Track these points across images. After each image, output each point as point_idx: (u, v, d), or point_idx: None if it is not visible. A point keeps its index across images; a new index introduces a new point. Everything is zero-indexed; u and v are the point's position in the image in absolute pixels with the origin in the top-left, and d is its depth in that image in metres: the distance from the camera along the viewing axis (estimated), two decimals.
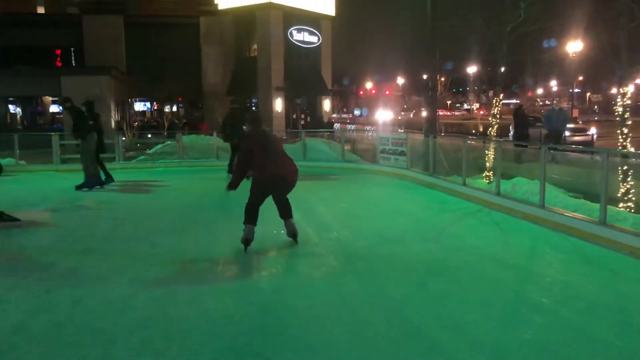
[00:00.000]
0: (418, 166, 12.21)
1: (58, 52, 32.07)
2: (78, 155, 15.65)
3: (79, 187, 10.81)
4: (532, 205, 7.91)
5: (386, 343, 3.89)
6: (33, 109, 31.91)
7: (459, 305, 4.59)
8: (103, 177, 11.43)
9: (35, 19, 32.68)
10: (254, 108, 12.10)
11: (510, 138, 24.61)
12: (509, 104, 69.79)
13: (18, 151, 14.60)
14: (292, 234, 6.63)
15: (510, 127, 25.75)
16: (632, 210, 8.60)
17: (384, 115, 46.35)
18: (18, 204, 9.12)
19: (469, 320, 4.26)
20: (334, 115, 48.84)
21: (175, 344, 3.86)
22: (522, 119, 17.54)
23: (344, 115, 73.84)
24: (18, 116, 31.36)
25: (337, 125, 35.32)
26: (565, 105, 62.30)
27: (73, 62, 32.13)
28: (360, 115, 70.08)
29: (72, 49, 31.90)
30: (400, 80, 76.31)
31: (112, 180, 11.69)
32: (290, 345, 3.85)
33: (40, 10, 34.41)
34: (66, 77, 26.59)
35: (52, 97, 28.45)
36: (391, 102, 64.18)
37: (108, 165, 14.51)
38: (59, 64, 31.95)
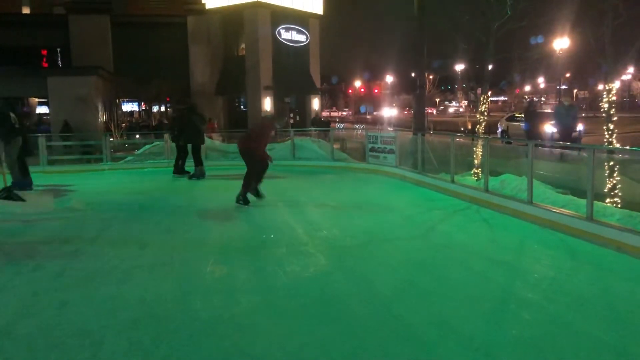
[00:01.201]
0: (407, 164, 12.23)
1: (44, 52, 31.74)
2: (66, 157, 15.59)
3: (7, 192, 10.23)
4: (520, 202, 7.96)
5: (375, 341, 3.89)
6: (19, 110, 31.60)
7: (447, 302, 4.61)
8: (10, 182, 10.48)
9: (20, 19, 32.28)
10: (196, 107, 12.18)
11: (496, 134, 24.75)
12: (497, 101, 70.23)
13: (4, 153, 14.42)
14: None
15: (499, 124, 25.94)
16: (619, 206, 8.68)
17: (389, 112, 46.26)
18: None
19: (458, 317, 4.28)
20: (324, 114, 48.94)
21: (164, 344, 3.84)
22: (534, 116, 17.16)
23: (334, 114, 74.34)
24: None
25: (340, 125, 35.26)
26: (552, 101, 62.80)
27: (60, 62, 31.82)
28: (366, 112, 70.98)
29: (59, 49, 31.58)
30: (389, 79, 76.41)
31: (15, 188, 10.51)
32: (279, 345, 3.85)
33: (26, 10, 34.03)
34: (53, 78, 26.32)
35: (39, 98, 28.15)
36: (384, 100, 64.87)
37: (95, 167, 14.43)
38: (46, 65, 31.63)
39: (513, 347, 3.78)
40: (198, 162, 12.92)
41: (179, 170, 13.37)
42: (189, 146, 13.08)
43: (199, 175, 12.92)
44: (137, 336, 3.98)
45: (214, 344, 3.86)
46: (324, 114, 60.78)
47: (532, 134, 16.61)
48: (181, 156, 13.39)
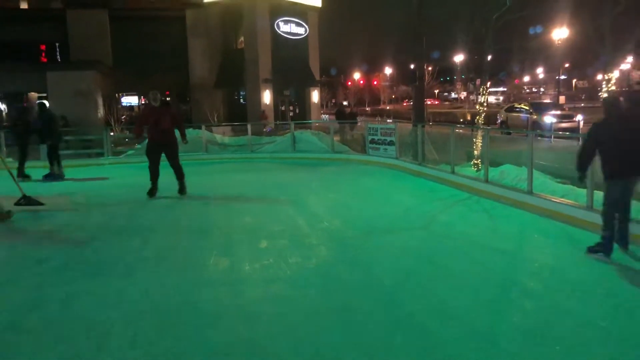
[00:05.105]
0: (407, 155, 12.25)
1: (43, 47, 31.64)
2: (67, 152, 15.58)
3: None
4: (521, 192, 7.99)
5: (378, 330, 3.93)
6: (18, 106, 31.57)
7: (449, 292, 4.65)
8: None
9: (18, 14, 32.17)
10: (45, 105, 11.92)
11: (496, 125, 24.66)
12: (495, 92, 70.02)
13: (5, 148, 14.46)
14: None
15: (498, 115, 25.84)
16: None
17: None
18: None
19: (459, 306, 4.31)
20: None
21: (169, 336, 3.88)
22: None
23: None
24: (3, 113, 31.00)
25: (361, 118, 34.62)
26: (552, 92, 62.63)
27: (58, 57, 31.73)
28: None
29: (57, 44, 31.44)
30: (388, 70, 76.23)
31: None
32: (283, 335, 3.88)
33: (24, 5, 33.94)
34: (52, 73, 26.30)
35: (38, 93, 28.06)
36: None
37: (96, 161, 14.44)
38: (44, 60, 31.55)
39: (514, 335, 3.82)
40: (59, 162, 12.42)
41: (23, 173, 12.30)
42: (43, 147, 12.35)
43: (61, 176, 12.32)
44: (142, 328, 4.02)
45: (218, 335, 3.90)
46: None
47: None
48: (25, 158, 12.56)
